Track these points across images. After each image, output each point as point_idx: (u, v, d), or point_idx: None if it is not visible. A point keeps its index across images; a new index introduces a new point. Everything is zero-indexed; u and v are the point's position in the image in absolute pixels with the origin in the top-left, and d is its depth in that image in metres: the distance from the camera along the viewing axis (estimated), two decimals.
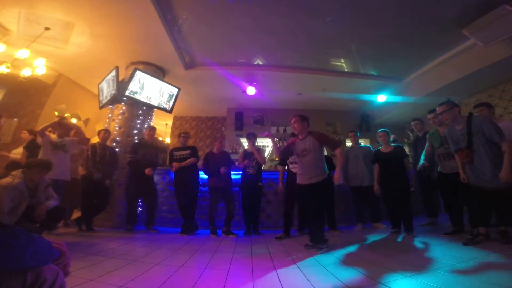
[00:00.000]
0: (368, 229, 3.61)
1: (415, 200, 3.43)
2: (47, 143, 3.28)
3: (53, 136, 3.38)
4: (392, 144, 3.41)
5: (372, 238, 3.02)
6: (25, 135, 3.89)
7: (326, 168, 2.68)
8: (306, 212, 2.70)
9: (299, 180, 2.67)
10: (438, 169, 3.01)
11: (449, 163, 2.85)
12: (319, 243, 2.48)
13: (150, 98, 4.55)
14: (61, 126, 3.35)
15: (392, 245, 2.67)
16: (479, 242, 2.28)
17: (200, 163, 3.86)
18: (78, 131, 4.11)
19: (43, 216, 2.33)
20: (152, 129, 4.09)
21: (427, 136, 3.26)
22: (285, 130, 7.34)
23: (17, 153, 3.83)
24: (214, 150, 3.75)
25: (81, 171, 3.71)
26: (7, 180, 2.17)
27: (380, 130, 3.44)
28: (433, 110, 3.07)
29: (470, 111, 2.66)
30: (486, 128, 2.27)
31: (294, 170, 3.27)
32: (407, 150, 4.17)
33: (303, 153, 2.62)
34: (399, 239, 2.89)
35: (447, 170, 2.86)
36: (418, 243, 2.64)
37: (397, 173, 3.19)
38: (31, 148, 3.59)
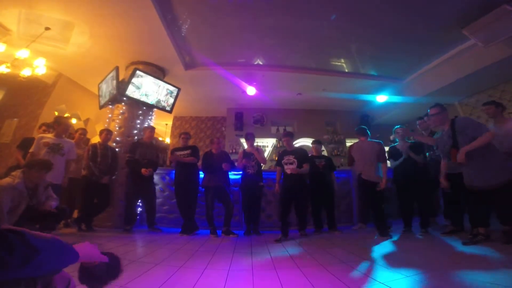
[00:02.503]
0: (371, 229, 3.60)
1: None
2: (43, 145, 3.05)
3: (50, 136, 3.17)
4: (408, 141, 3.37)
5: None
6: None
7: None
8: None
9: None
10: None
11: (449, 163, 2.85)
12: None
13: (148, 95, 4.55)
14: (59, 124, 3.22)
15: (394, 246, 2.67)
16: (478, 242, 2.28)
17: (200, 163, 3.85)
18: (83, 133, 4.03)
19: (46, 211, 2.33)
20: (151, 129, 4.06)
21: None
22: (285, 130, 7.35)
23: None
24: (213, 151, 3.73)
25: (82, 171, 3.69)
26: (6, 180, 2.17)
27: (396, 127, 3.44)
28: (421, 118, 3.26)
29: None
30: (467, 126, 2.33)
31: (288, 171, 3.25)
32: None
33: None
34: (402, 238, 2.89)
35: (448, 170, 2.86)
36: (418, 243, 2.63)
37: (410, 170, 3.15)
38: (24, 145, 3.39)
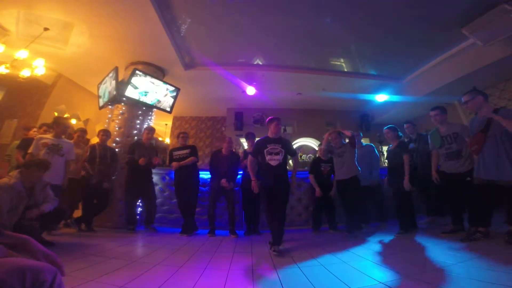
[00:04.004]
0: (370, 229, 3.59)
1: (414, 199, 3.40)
2: (42, 145, 3.01)
3: (49, 136, 3.14)
4: (400, 140, 3.37)
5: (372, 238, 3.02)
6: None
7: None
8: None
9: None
10: (441, 169, 2.99)
11: (449, 163, 2.83)
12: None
13: (148, 95, 4.55)
14: (58, 125, 3.22)
15: (391, 245, 2.67)
16: (476, 239, 2.27)
17: (200, 163, 3.84)
18: (82, 135, 3.96)
19: (32, 218, 2.30)
20: (150, 130, 4.05)
21: (429, 135, 3.25)
22: (284, 130, 7.35)
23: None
24: (223, 151, 3.67)
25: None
26: (4, 180, 2.16)
27: (385, 128, 3.42)
28: (435, 108, 3.00)
29: None
30: None
31: (273, 163, 2.64)
32: None
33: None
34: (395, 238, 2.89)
35: (449, 170, 2.84)
36: (416, 243, 2.64)
37: (395, 169, 3.18)
38: (24, 146, 3.33)
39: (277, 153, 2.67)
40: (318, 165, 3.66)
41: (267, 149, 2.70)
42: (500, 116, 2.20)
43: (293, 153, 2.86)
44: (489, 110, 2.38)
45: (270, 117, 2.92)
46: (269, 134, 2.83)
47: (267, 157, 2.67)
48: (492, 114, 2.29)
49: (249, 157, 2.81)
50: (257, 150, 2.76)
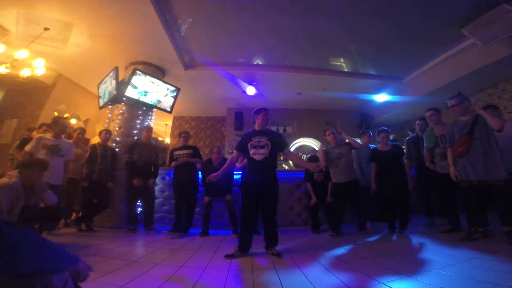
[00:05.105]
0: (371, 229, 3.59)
1: (413, 200, 3.40)
2: (41, 146, 2.99)
3: (49, 136, 3.13)
4: (390, 143, 3.40)
5: (369, 238, 3.02)
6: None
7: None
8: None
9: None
10: (436, 169, 3.00)
11: (444, 163, 2.84)
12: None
13: (148, 95, 4.54)
14: (57, 124, 3.22)
15: (390, 245, 2.67)
16: (476, 239, 2.27)
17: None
18: (81, 133, 3.91)
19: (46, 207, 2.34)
20: (148, 129, 4.05)
21: (423, 135, 3.26)
22: (285, 130, 7.35)
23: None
24: (213, 162, 3.62)
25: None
26: (4, 180, 2.16)
27: (382, 130, 3.41)
28: (430, 109, 3.12)
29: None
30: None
31: (258, 158, 2.40)
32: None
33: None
34: (394, 238, 2.89)
35: (443, 170, 2.85)
36: (415, 242, 2.64)
37: (395, 172, 3.18)
38: (24, 145, 3.25)
39: (262, 147, 2.39)
40: (311, 174, 3.61)
41: (251, 142, 2.43)
42: (483, 110, 2.37)
43: (283, 146, 2.53)
44: (472, 114, 2.47)
45: (257, 108, 2.58)
46: (256, 127, 2.57)
47: (251, 151, 2.40)
48: (480, 110, 2.40)
49: (235, 151, 2.58)
50: (242, 144, 2.49)
